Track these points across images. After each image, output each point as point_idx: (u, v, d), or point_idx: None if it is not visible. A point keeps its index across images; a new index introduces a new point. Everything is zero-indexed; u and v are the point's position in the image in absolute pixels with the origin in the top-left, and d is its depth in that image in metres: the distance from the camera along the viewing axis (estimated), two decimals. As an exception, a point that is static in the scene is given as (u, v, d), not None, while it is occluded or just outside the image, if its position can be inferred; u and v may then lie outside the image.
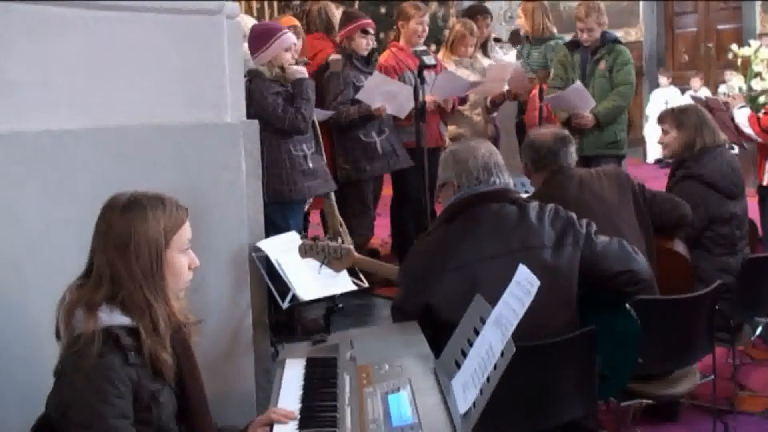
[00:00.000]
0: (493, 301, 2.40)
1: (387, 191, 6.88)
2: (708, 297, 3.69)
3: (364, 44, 6.11)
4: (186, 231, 2.54)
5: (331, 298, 4.19)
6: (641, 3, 14.20)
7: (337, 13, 6.63)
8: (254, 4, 12.67)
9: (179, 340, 2.53)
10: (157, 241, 2.44)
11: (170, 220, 2.48)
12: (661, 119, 4.91)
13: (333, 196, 5.40)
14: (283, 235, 4.20)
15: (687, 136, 4.71)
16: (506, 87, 6.98)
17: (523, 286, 2.30)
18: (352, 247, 3.92)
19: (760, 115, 6.04)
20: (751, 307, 4.40)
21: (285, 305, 4.06)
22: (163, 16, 3.63)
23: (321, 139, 5.39)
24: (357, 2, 10.94)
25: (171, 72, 3.65)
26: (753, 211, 5.52)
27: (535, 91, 6.91)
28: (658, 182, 4.96)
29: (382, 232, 7.36)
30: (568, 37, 7.00)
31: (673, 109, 4.93)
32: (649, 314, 3.28)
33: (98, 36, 3.45)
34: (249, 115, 4.76)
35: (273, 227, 4.56)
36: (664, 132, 4.85)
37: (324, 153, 5.51)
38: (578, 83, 6.22)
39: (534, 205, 3.30)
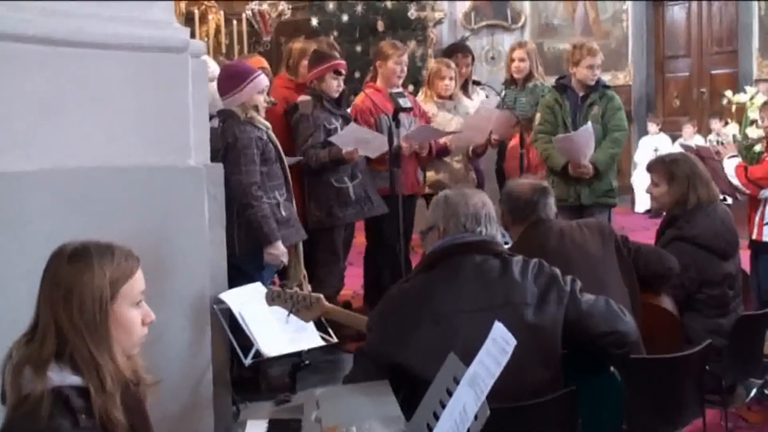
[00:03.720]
0: (470, 358, 2.41)
1: (359, 239, 6.89)
2: (697, 356, 3.71)
3: (336, 86, 6.14)
4: (137, 282, 2.50)
5: (298, 354, 4.18)
6: (630, 45, 14.37)
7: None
8: (223, 40, 12.74)
9: (132, 398, 2.51)
10: (102, 292, 2.39)
11: (118, 271, 2.44)
12: (651, 168, 4.88)
13: (301, 245, 5.40)
14: (247, 287, 4.20)
15: (679, 191, 4.69)
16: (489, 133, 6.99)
17: (499, 345, 2.32)
18: (322, 295, 3.92)
19: (749, 165, 6.09)
20: (744, 367, 4.42)
21: (248, 361, 4.06)
22: (125, 54, 3.65)
23: (291, 185, 5.41)
24: (332, 39, 10.99)
25: (132, 111, 3.67)
26: (744, 263, 5.55)
27: (516, 140, 6.95)
28: (647, 233, 4.97)
29: (353, 282, 7.34)
30: (550, 80, 7.08)
31: (663, 159, 4.91)
32: (634, 374, 3.30)
33: (55, 73, 3.47)
34: (226, 153, 4.81)
35: (245, 278, 4.57)
36: (654, 183, 4.83)
37: (294, 199, 5.53)
38: (590, 125, 6.28)
39: (518, 260, 3.32)
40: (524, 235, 4.06)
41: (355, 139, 5.90)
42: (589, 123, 6.30)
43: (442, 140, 6.71)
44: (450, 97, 7.09)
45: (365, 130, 6.07)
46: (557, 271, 3.33)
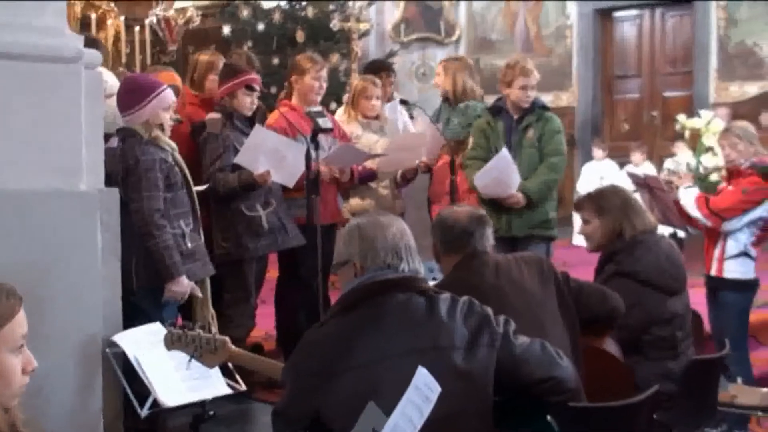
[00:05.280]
0: (394, 408, 2.42)
1: (273, 274, 6.86)
2: (643, 404, 3.74)
3: (249, 103, 6.12)
4: (18, 325, 2.44)
5: (201, 404, 4.15)
6: (575, 63, 14.56)
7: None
8: (123, 49, 12.66)
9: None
10: None
11: None
12: (579, 206, 4.98)
13: (208, 282, 5.36)
14: (144, 328, 4.17)
15: (611, 223, 4.75)
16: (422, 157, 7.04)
17: (422, 392, 2.33)
18: (228, 339, 3.91)
19: (710, 196, 6.20)
20: (696, 416, 4.48)
21: (144, 412, 4.02)
22: (8, 63, 3.62)
23: (199, 214, 5.38)
24: (245, 50, 10.99)
25: (16, 129, 3.64)
26: (699, 304, 5.64)
27: (442, 162, 7.02)
28: (591, 268, 5.02)
29: (265, 322, 7.29)
30: (488, 100, 7.17)
31: (590, 195, 4.99)
32: (573, 424, 3.32)
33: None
34: (126, 176, 4.76)
35: (144, 317, 4.53)
36: (585, 222, 4.91)
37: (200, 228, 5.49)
38: (504, 151, 6.35)
39: (445, 298, 3.33)
40: (456, 270, 4.07)
41: (264, 152, 5.86)
42: (504, 150, 6.39)
43: (368, 164, 6.74)
44: (376, 117, 7.13)
45: (274, 135, 6.05)
46: (489, 310, 3.35)
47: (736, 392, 5.12)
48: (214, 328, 5.17)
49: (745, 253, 6.03)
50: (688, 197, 6.11)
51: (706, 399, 4.53)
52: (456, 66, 7.53)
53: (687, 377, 4.35)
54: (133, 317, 4.42)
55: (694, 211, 6.04)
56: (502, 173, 6.36)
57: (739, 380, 5.39)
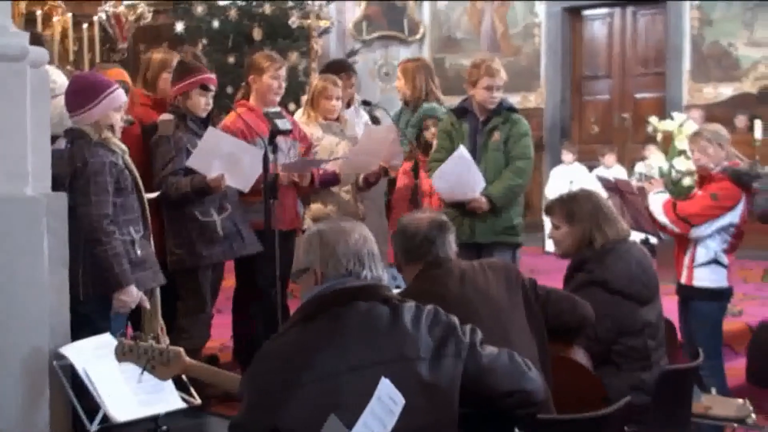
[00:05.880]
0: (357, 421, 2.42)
1: (229, 282, 6.84)
2: (615, 416, 3.75)
3: (203, 103, 6.08)
4: None
5: (153, 419, 4.13)
6: (543, 63, 14.63)
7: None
8: (71, 47, 12.58)
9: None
10: None
11: None
12: (549, 211, 4.99)
13: (158, 292, 5.33)
14: (93, 339, 4.14)
15: (581, 230, 4.76)
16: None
17: (385, 405, 2.34)
18: (182, 350, 3.89)
19: (678, 201, 6.23)
20: (669, 428, 4.50)
21: (94, 428, 3.99)
22: (-51, 61, 3.60)
23: (149, 220, 5.35)
24: (200, 47, 10.94)
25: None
26: (672, 311, 5.67)
27: (404, 169, 7.04)
28: (560, 276, 5.04)
29: (221, 333, 7.28)
30: (452, 101, 7.19)
31: (561, 199, 5.00)
32: (543, 438, 3.34)
33: None
34: (73, 180, 4.74)
35: (92, 328, 4.50)
36: (555, 226, 4.92)
37: (151, 235, 5.46)
38: (462, 149, 6.35)
39: (409, 307, 3.32)
40: (419, 279, 4.07)
41: (218, 156, 5.82)
42: (461, 147, 6.41)
43: (329, 167, 6.72)
44: (337, 119, 7.12)
45: (227, 138, 6.01)
46: (455, 319, 3.35)
47: (710, 403, 5.15)
48: (166, 340, 5.14)
49: (715, 261, 6.05)
50: (656, 203, 6.13)
51: (679, 410, 4.55)
52: (414, 67, 7.57)
53: (660, 388, 4.37)
54: (80, 328, 4.39)
55: (661, 217, 6.05)
56: (462, 174, 6.36)
57: (713, 391, 5.43)
